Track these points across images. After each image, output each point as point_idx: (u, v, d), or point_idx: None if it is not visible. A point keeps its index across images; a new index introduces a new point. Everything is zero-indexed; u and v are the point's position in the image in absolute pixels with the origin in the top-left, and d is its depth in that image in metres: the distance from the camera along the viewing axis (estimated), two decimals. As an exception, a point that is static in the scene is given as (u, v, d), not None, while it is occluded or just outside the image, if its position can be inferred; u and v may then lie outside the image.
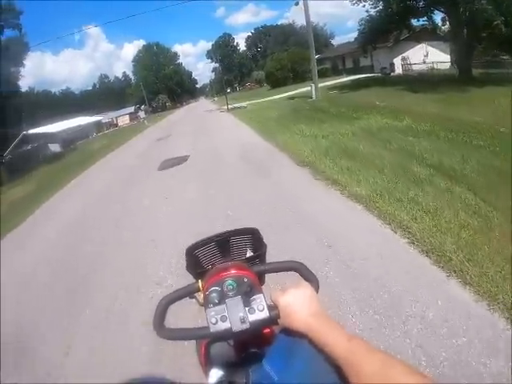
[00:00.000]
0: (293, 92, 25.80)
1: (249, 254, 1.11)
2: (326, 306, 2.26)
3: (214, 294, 0.79)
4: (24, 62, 26.61)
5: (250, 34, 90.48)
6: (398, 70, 30.61)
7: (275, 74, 42.50)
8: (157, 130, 22.80)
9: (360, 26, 21.67)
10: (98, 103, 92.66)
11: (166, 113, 56.94)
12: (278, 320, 0.76)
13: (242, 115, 16.76)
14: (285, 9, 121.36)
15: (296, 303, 0.73)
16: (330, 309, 2.31)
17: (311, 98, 17.28)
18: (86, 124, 47.66)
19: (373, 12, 19.38)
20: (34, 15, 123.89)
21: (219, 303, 0.78)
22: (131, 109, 66.52)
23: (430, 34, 24.47)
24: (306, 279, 0.85)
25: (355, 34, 27.10)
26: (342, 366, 0.59)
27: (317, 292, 0.79)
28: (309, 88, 17.39)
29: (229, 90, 72.38)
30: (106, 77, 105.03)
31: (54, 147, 33.99)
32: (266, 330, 0.96)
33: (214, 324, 0.76)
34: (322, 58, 45.36)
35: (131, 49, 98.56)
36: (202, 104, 52.62)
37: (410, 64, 30.36)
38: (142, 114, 30.09)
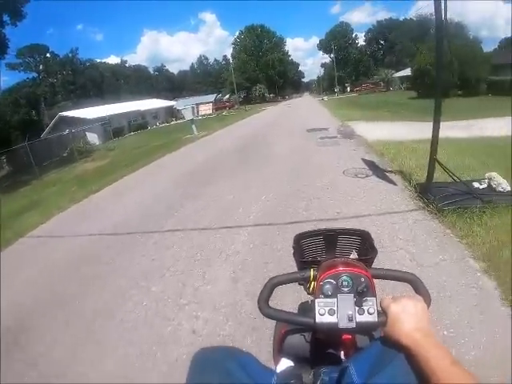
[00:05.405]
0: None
1: (353, 255, 1.09)
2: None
3: (328, 286, 0.80)
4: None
5: (371, 27, 79.59)
6: None
7: (432, 75, 25.04)
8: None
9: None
10: (190, 86, 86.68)
11: (258, 107, 44.41)
12: (382, 328, 0.76)
13: None
14: (402, 10, 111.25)
15: (406, 314, 0.72)
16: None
17: None
18: (147, 110, 37.25)
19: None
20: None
21: (331, 296, 0.79)
22: (215, 96, 55.58)
23: None
24: (419, 293, 0.83)
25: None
26: None
27: (428, 308, 0.76)
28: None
29: (337, 89, 59.86)
30: (206, 58, 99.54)
31: (92, 138, 27.21)
32: (347, 337, 0.93)
33: (322, 315, 0.77)
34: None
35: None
36: (307, 104, 38.07)
37: None
38: (186, 112, 15.63)
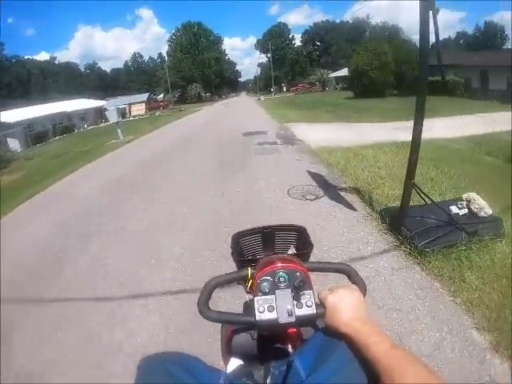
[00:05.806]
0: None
1: (291, 250, 1.08)
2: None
3: (265, 284, 0.79)
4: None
5: (307, 28, 79.95)
6: None
7: (369, 75, 25.12)
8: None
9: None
10: (123, 84, 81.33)
11: (193, 107, 43.04)
12: (322, 319, 0.75)
13: None
14: (339, 13, 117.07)
15: (343, 304, 0.71)
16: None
17: None
18: (74, 111, 33.69)
19: None
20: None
21: (269, 293, 0.77)
22: (148, 95, 52.41)
23: None
24: (354, 283, 0.82)
25: None
26: (380, 372, 0.57)
27: (364, 296, 0.76)
28: None
29: (273, 89, 59.95)
30: (140, 56, 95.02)
31: (14, 144, 24.37)
32: (292, 330, 0.88)
33: (261, 312, 0.75)
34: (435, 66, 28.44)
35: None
36: (245, 103, 37.13)
37: None
38: (110, 114, 13.66)
